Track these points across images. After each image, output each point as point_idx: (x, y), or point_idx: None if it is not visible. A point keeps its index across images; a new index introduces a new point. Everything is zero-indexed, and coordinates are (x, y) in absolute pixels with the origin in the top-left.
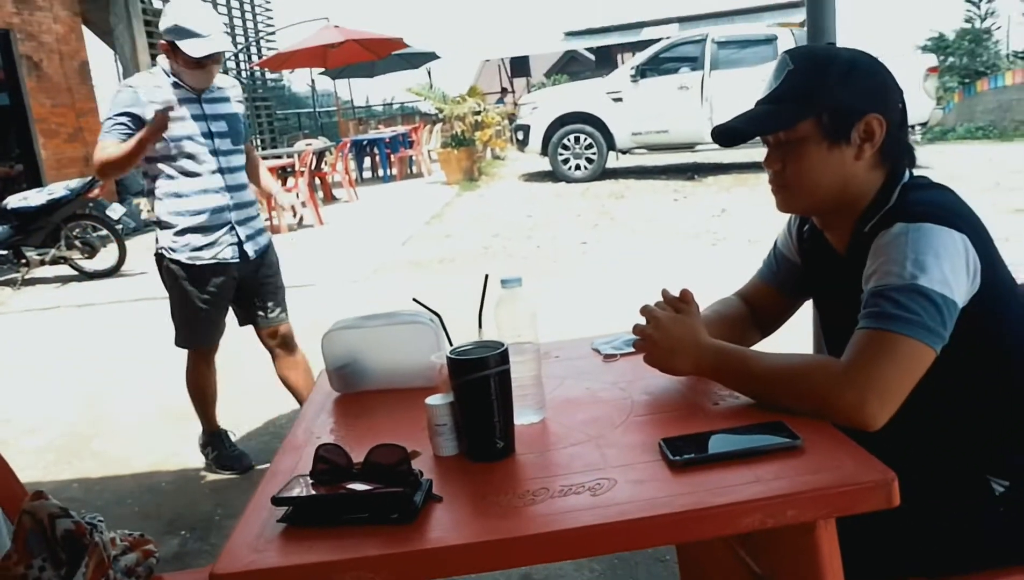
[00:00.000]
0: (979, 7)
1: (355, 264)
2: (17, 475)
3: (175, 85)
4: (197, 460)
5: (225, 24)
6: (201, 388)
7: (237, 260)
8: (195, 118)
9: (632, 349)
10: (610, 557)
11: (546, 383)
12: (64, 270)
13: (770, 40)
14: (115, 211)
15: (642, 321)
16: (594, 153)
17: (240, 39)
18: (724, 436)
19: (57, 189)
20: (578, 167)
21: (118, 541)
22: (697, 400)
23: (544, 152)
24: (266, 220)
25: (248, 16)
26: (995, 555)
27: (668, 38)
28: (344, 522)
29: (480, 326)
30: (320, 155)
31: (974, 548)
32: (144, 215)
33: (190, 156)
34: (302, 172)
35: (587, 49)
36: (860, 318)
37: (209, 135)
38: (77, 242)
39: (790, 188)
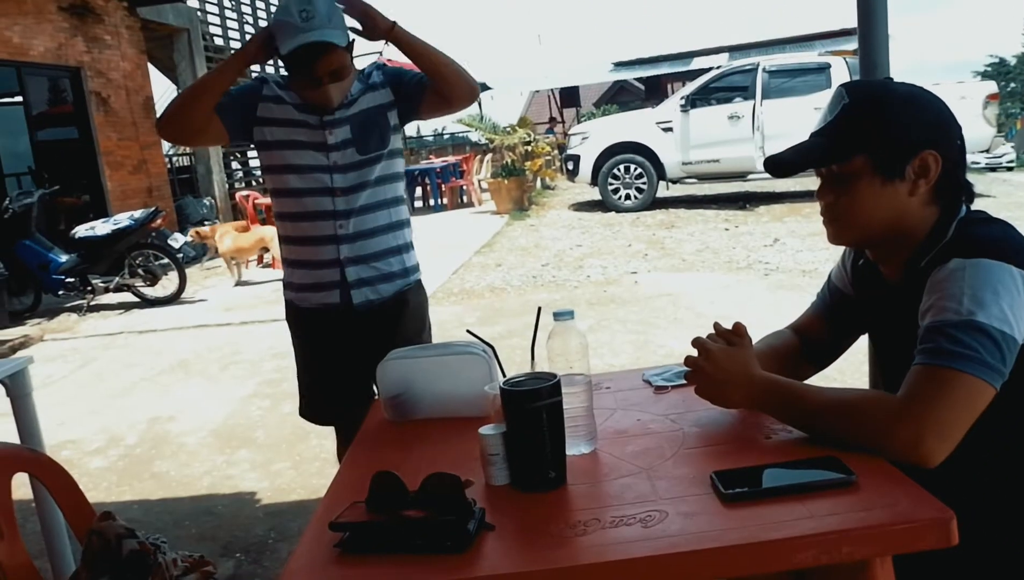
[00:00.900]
0: None
1: None
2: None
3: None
4: (251, 484)
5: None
6: None
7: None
8: (312, 146)
9: (683, 381)
10: None
11: (597, 414)
12: (127, 297)
13: (823, 68)
14: (176, 240)
15: (694, 353)
16: (644, 183)
17: None
18: (777, 470)
19: (122, 219)
20: (628, 197)
21: (179, 562)
22: (749, 433)
23: (594, 182)
24: None
25: None
26: None
27: (719, 68)
28: (398, 549)
29: (533, 357)
30: None
31: None
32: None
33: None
34: None
35: (636, 79)
36: (916, 354)
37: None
38: (140, 270)
39: (841, 221)
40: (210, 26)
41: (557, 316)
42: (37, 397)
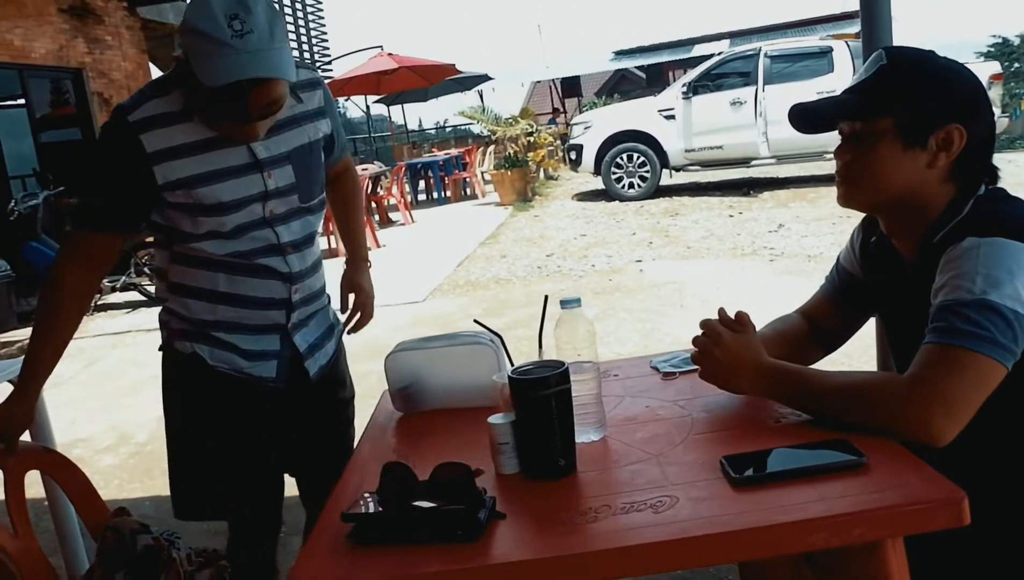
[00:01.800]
0: None
1: (413, 285)
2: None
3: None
4: None
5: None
6: None
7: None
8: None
9: (691, 367)
10: (672, 576)
11: (606, 402)
12: (134, 296)
13: (825, 52)
14: None
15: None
16: (647, 171)
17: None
18: (787, 453)
19: None
20: (631, 185)
21: (193, 557)
22: (758, 417)
23: (597, 171)
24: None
25: (305, 45)
26: None
27: (719, 54)
28: (410, 539)
29: (540, 346)
30: (376, 179)
31: None
32: None
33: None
34: None
35: (637, 67)
36: (927, 333)
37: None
38: (146, 269)
39: (855, 182)
40: None
41: (564, 304)
42: (47, 396)
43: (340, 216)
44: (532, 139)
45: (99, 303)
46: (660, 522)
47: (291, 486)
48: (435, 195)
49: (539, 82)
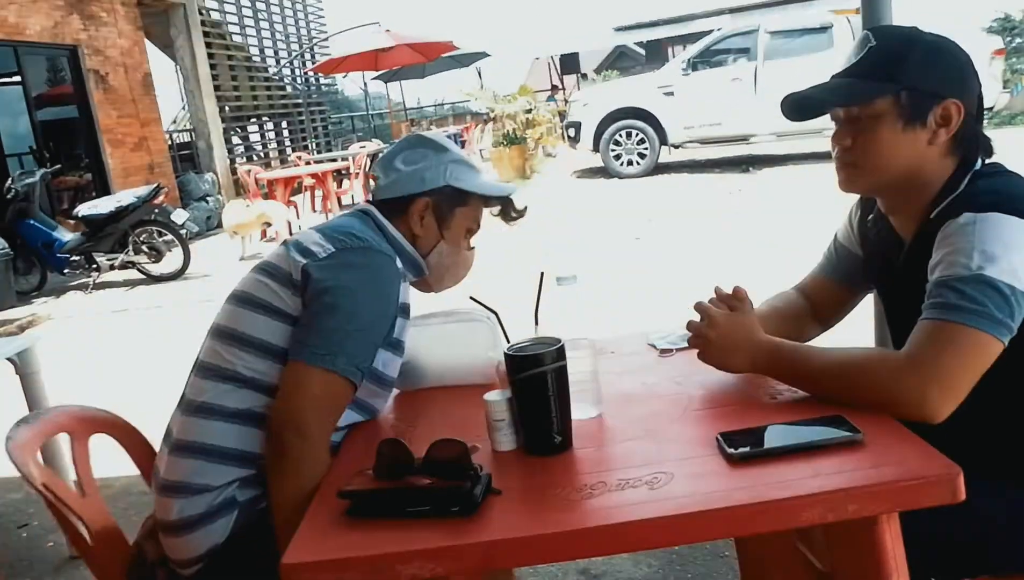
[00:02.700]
0: None
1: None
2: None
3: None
4: None
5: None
6: None
7: None
8: None
9: (687, 344)
10: (668, 552)
11: (602, 378)
12: (132, 274)
13: (825, 28)
14: (179, 216)
15: (696, 317)
16: (646, 148)
17: (295, 45)
18: (783, 430)
19: (125, 197)
20: (630, 163)
21: None
22: (755, 394)
23: (596, 149)
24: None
25: (302, 22)
26: None
27: (719, 29)
28: (406, 515)
29: (536, 323)
30: (374, 157)
31: None
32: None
33: None
34: (356, 174)
35: (637, 43)
36: (924, 309)
37: None
38: (144, 247)
39: (857, 166)
40: (206, 0)
41: (560, 280)
42: (46, 375)
43: None
44: (531, 116)
45: (98, 281)
46: (656, 498)
47: None
48: None
49: (538, 58)
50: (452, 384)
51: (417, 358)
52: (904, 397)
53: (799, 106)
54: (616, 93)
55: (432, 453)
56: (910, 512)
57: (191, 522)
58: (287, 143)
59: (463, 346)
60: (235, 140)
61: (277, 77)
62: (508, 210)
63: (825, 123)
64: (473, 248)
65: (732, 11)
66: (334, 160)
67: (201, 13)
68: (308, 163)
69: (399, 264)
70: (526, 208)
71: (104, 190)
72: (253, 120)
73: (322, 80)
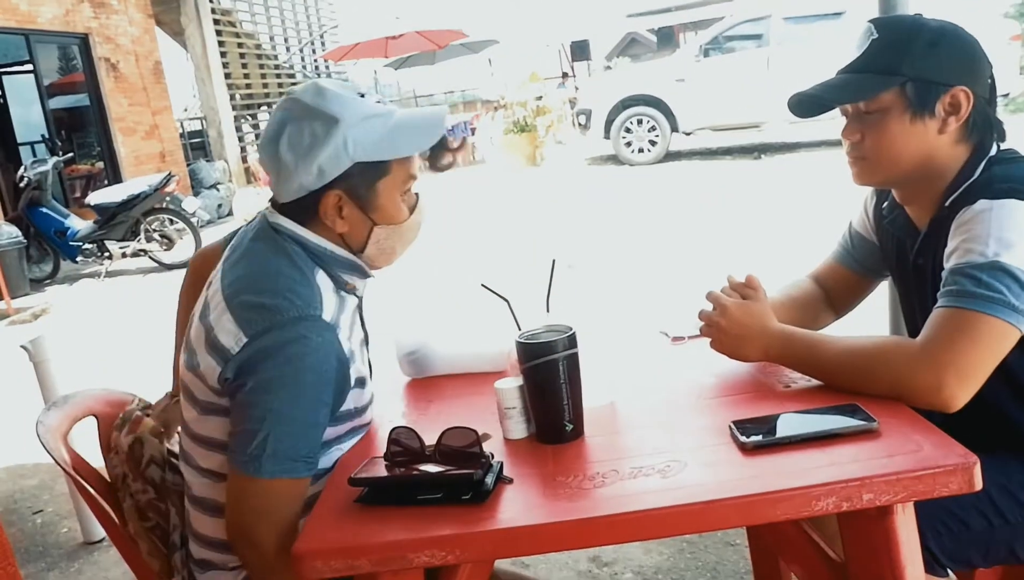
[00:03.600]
0: None
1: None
2: None
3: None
4: None
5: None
6: None
7: None
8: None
9: (700, 332)
10: (679, 540)
11: (614, 366)
12: (145, 262)
13: (838, 14)
14: (190, 204)
15: (708, 306)
16: (657, 135)
17: (305, 33)
18: (796, 418)
19: (136, 185)
20: (641, 150)
21: None
22: (768, 382)
23: (607, 136)
24: None
25: (312, 10)
26: None
27: (731, 15)
28: (418, 502)
29: (548, 310)
30: None
31: None
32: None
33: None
34: None
35: (648, 30)
36: (939, 297)
37: None
38: (156, 235)
39: (869, 160)
40: None
41: (572, 268)
42: (59, 362)
43: None
44: (541, 104)
45: (110, 269)
46: (668, 487)
47: None
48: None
49: (548, 46)
50: (463, 372)
51: (428, 346)
52: (920, 385)
53: (805, 104)
54: (627, 80)
55: (444, 441)
56: (925, 500)
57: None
58: None
59: (474, 334)
60: (246, 128)
61: (287, 65)
62: (440, 152)
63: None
64: (416, 203)
65: None
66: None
67: (211, 1)
68: None
69: (324, 304)
70: (464, 141)
71: (116, 178)
72: (264, 108)
73: (332, 68)
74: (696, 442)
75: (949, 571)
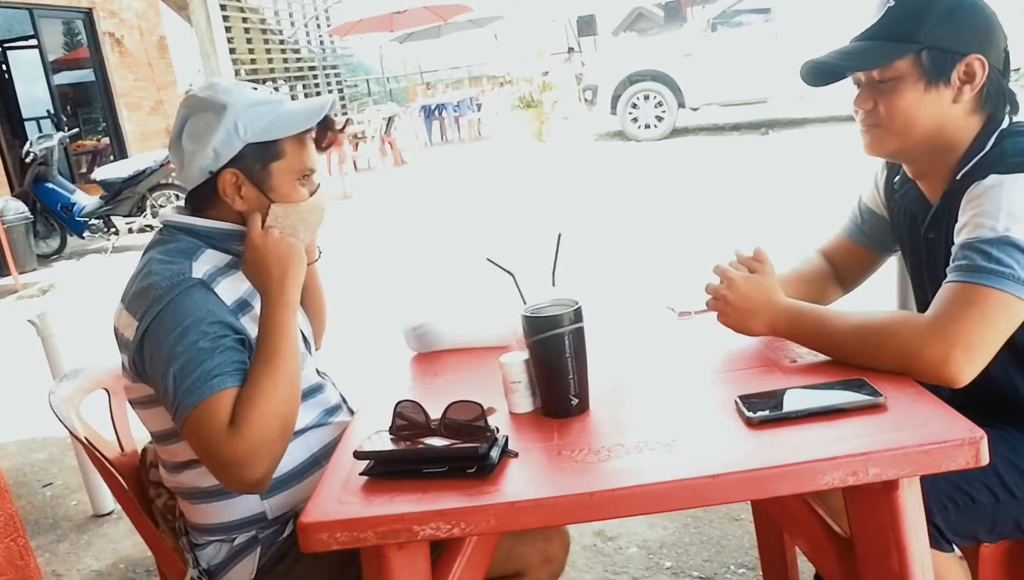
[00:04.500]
0: None
1: (426, 223)
2: None
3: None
4: None
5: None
6: None
7: None
8: None
9: (707, 307)
10: (684, 515)
11: (620, 340)
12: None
13: None
14: None
15: (715, 280)
16: (664, 111)
17: (309, 8)
18: (803, 393)
19: (142, 160)
20: (648, 125)
21: None
22: (775, 357)
23: (613, 111)
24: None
25: None
26: None
27: None
28: (423, 475)
29: (554, 284)
30: (389, 120)
31: None
32: None
33: None
34: (372, 137)
35: (655, 4)
36: (948, 271)
37: None
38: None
39: (882, 128)
40: None
41: (578, 242)
42: (67, 336)
43: None
44: (547, 79)
45: (117, 245)
46: (673, 461)
47: None
48: (449, 136)
49: (555, 20)
50: (468, 346)
51: (434, 321)
52: (927, 360)
53: (818, 72)
54: (634, 55)
55: (449, 414)
56: (931, 475)
57: (221, 565)
58: None
59: (480, 309)
60: None
61: (292, 40)
62: (324, 132)
63: (846, 82)
64: (316, 189)
65: None
66: (350, 123)
67: None
68: None
69: (195, 269)
70: (347, 121)
71: (121, 154)
72: (268, 83)
73: (337, 43)
74: (702, 416)
75: (954, 546)
